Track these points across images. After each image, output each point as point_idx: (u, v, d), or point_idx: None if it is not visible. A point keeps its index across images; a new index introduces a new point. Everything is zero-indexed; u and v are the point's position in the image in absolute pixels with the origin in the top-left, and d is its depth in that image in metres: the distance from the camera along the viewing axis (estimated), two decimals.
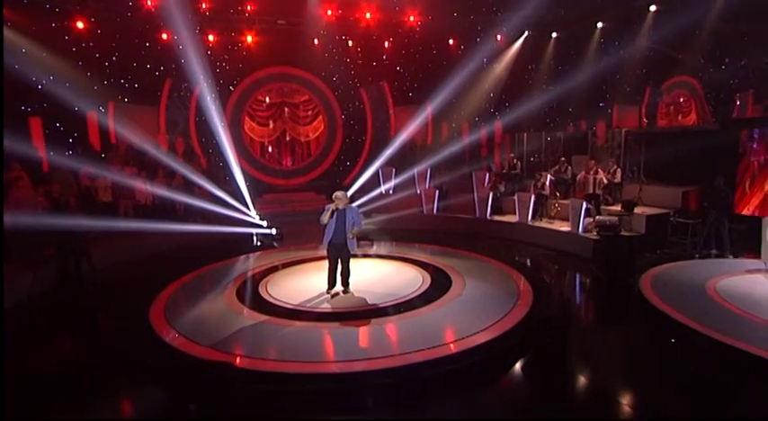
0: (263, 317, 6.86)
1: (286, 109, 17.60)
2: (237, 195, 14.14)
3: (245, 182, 14.89)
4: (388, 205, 14.36)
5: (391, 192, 15.43)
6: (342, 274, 7.71)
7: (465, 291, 7.79)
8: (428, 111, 17.91)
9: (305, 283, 8.37)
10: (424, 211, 14.08)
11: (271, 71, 17.09)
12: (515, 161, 14.19)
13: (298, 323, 6.63)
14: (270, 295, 7.82)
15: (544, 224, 12.05)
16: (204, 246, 11.69)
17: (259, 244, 12.20)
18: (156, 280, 8.68)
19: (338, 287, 7.82)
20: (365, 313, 6.95)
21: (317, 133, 18.00)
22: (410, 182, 15.18)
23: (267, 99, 17.39)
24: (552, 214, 12.36)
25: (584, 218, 10.78)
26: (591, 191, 11.44)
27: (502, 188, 13.70)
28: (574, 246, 10.64)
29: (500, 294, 7.66)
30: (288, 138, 17.86)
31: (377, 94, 18.02)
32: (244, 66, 16.60)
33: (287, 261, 10.07)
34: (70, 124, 13.30)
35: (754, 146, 10.61)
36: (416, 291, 7.85)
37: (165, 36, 15.03)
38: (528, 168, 14.76)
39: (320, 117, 17.82)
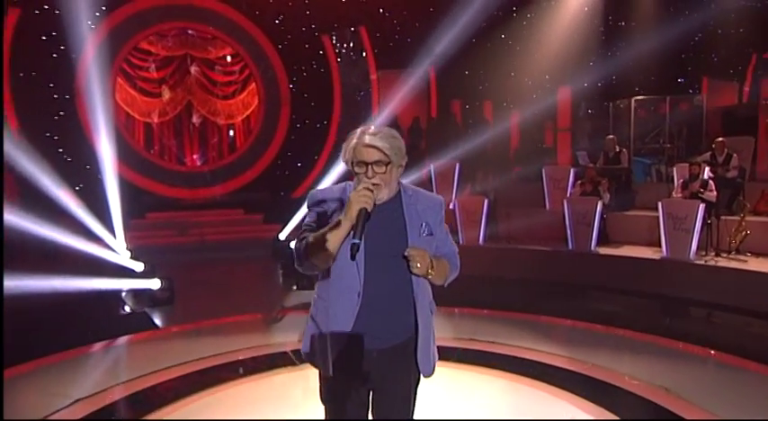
0: None
1: (193, 69, 12.00)
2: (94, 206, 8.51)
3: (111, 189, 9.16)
4: None
5: None
6: None
7: None
8: (430, 78, 12.06)
9: None
10: (461, 240, 7.94)
11: (165, 1, 11.00)
12: (618, 148, 8.44)
13: None
14: None
15: (726, 262, 6.41)
16: None
17: (127, 310, 6.38)
18: None
19: None
20: None
21: (248, 112, 12.50)
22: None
23: (158, 50, 11.58)
24: (738, 241, 6.65)
25: None
26: None
27: (606, 195, 7.85)
28: None
29: None
30: (197, 120, 12.33)
31: (350, 47, 12.00)
32: None
33: (180, 372, 3.74)
34: None
35: None
36: None
37: None
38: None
39: (252, 85, 12.22)
